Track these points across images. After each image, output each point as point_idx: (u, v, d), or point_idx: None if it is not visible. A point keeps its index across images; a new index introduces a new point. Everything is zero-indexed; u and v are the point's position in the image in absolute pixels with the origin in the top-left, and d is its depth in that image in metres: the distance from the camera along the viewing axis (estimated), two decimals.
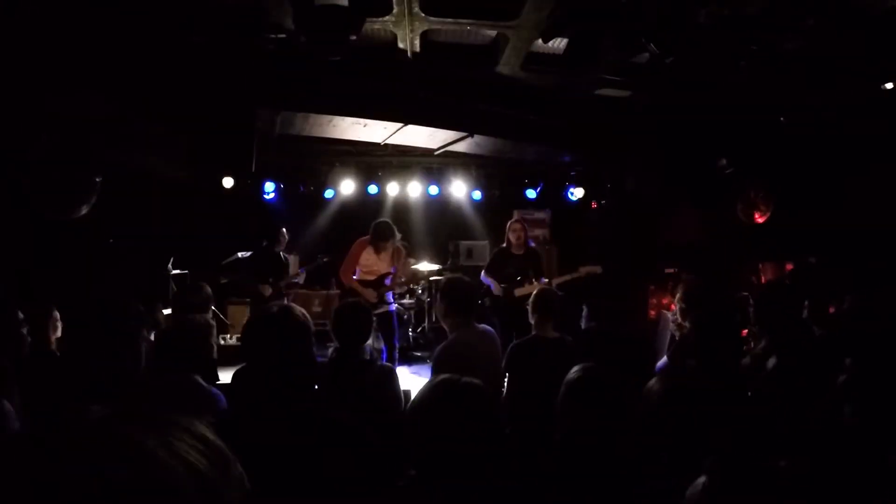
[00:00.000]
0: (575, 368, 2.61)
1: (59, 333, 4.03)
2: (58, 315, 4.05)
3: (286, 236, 8.11)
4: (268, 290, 7.82)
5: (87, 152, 5.90)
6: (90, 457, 0.64)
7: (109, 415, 0.70)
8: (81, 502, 0.62)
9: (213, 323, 3.56)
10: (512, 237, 7.29)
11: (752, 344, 4.09)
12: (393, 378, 3.83)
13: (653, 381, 3.48)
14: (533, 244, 7.62)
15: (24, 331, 2.98)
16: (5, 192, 5.33)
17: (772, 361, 3.44)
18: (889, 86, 6.00)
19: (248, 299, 8.66)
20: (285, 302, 7.95)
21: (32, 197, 5.39)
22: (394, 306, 7.42)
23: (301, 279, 8.12)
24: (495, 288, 7.15)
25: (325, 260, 8.70)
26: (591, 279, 7.48)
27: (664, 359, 4.76)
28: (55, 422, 0.69)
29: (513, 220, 7.60)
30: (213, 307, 5.47)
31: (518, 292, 7.01)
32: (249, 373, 3.17)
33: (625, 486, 2.31)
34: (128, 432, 0.67)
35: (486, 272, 7.34)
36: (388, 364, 4.44)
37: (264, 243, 8.03)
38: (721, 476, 2.00)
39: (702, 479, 2.03)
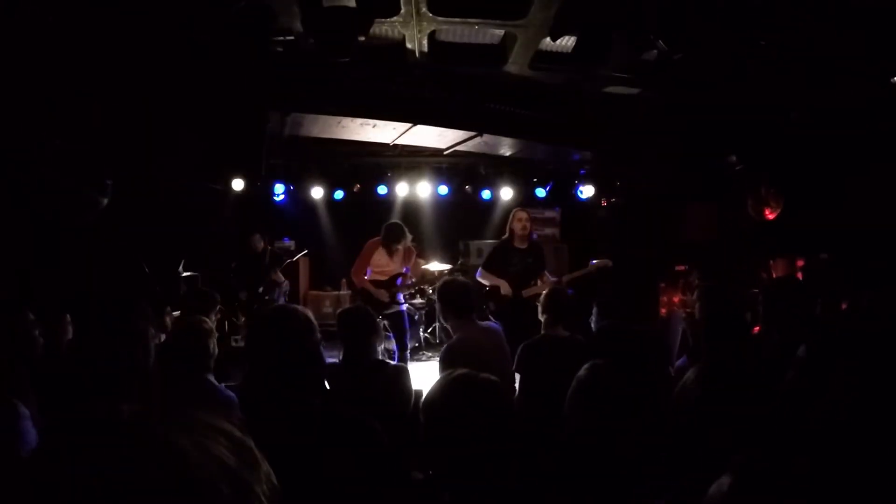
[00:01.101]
0: (584, 367, 2.60)
1: (69, 336, 4.06)
2: (69, 318, 4.08)
3: (259, 241, 7.98)
4: (243, 295, 7.76)
5: (98, 157, 5.94)
6: (126, 456, 0.65)
7: (140, 414, 0.70)
8: (118, 502, 0.62)
9: (212, 327, 3.57)
10: (517, 227, 6.65)
11: (763, 341, 4.06)
12: (405, 377, 3.84)
13: (689, 379, 3.44)
14: (536, 236, 7.00)
15: (37, 333, 3.00)
16: (16, 196, 5.37)
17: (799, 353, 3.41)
18: None
19: (235, 304, 8.58)
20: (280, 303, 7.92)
21: (45, 201, 5.42)
22: (404, 306, 7.43)
23: (280, 278, 7.98)
24: (503, 287, 6.57)
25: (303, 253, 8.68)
26: (603, 276, 7.35)
27: (683, 358, 4.74)
28: (87, 422, 0.69)
29: (518, 209, 6.98)
30: (222, 308, 5.49)
31: (526, 293, 6.54)
32: (256, 375, 3.19)
33: (634, 485, 2.31)
34: (160, 431, 0.68)
35: (486, 269, 6.71)
36: (400, 364, 4.46)
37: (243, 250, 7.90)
38: (747, 476, 1.98)
39: (726, 479, 2.01)
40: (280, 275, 7.91)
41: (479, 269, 6.81)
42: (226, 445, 0.70)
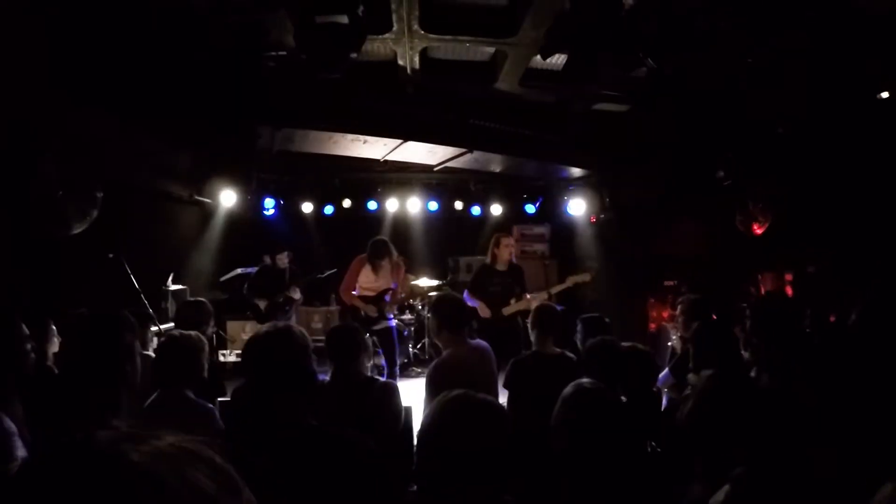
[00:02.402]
0: (570, 385, 2.61)
1: (55, 348, 4.03)
2: (55, 329, 4.05)
3: (286, 259, 8.26)
4: (264, 305, 7.98)
5: (88, 168, 5.92)
6: (99, 484, 0.64)
7: (117, 439, 0.69)
8: None
9: (205, 340, 3.57)
10: (505, 253, 6.95)
11: (750, 355, 4.09)
12: (394, 394, 3.84)
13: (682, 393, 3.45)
14: (515, 259, 7.24)
15: (29, 346, 2.98)
16: (6, 208, 5.35)
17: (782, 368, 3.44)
18: (885, 95, 6.04)
19: (248, 313, 8.81)
20: (289, 317, 8.09)
21: (33, 212, 5.40)
22: (393, 322, 7.44)
23: (296, 294, 8.21)
24: (481, 310, 6.79)
25: (321, 276, 8.86)
26: (583, 289, 7.55)
27: (665, 371, 4.76)
28: (63, 447, 0.69)
29: (502, 234, 7.29)
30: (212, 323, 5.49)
31: (506, 311, 6.83)
32: (248, 390, 3.19)
33: (623, 501, 2.31)
34: (136, 458, 0.67)
35: (471, 292, 6.95)
36: (389, 381, 4.44)
37: (266, 260, 8.21)
38: (746, 486, 1.99)
39: (725, 488, 2.02)
40: (297, 290, 8.17)
41: (465, 291, 6.95)
42: (205, 472, 0.69)
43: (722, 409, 2.23)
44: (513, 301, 6.85)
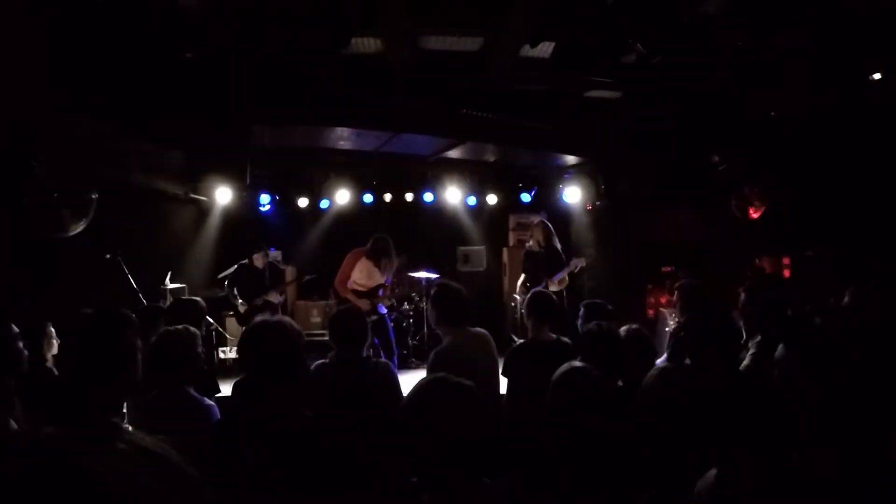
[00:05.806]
0: (560, 369, 2.61)
1: (54, 350, 4.02)
2: (53, 331, 4.04)
3: (264, 258, 8.17)
4: (242, 307, 7.91)
5: (83, 169, 5.91)
6: (27, 483, 0.61)
7: (60, 438, 0.66)
8: None
9: (198, 333, 3.56)
10: (534, 236, 8.29)
11: (748, 339, 4.09)
12: (391, 374, 3.88)
13: (650, 380, 3.49)
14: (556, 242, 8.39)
15: (21, 345, 2.98)
16: (4, 209, 5.35)
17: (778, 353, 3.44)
18: (877, 76, 6.04)
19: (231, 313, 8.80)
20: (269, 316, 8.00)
21: (28, 214, 5.39)
22: (384, 309, 7.50)
23: (275, 298, 8.16)
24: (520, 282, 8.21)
25: (309, 278, 8.86)
26: (589, 279, 7.66)
27: (664, 357, 4.77)
28: (6, 444, 0.66)
29: (536, 222, 8.60)
30: (210, 320, 5.48)
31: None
32: (248, 384, 3.20)
33: (616, 483, 2.32)
34: (73, 456, 0.64)
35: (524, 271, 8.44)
36: (384, 360, 4.47)
37: (244, 261, 8.09)
38: (734, 469, 2.00)
39: (713, 472, 2.03)
40: (276, 294, 8.10)
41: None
42: (157, 471, 0.67)
43: (667, 402, 2.23)
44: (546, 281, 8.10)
